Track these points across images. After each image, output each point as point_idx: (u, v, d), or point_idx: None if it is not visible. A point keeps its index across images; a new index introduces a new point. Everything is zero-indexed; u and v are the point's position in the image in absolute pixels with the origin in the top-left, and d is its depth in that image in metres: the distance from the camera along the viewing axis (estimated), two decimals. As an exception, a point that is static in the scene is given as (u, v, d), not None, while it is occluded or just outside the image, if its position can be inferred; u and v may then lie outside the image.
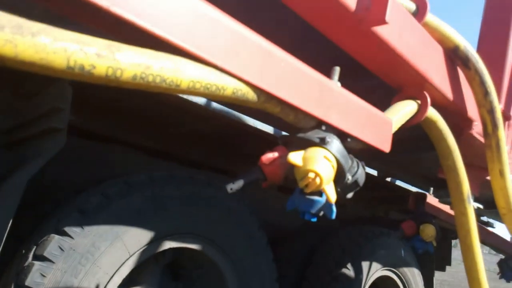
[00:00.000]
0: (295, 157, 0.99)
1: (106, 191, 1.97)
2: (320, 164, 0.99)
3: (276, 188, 4.03)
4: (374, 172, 3.91)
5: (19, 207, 1.78)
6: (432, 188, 2.31)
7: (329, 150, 1.03)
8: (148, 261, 2.08)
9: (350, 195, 1.18)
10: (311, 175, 0.97)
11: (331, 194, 1.01)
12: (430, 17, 1.34)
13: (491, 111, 1.44)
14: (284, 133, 3.23)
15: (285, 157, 1.04)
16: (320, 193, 1.06)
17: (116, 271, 1.86)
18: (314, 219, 1.08)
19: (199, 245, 2.21)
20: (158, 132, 3.30)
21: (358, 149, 1.18)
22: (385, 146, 1.22)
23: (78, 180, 2.42)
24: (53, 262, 1.69)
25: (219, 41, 0.84)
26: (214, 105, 2.70)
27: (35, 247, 1.74)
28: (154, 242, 2.01)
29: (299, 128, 1.08)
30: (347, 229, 3.52)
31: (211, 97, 0.85)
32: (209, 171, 3.21)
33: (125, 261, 1.89)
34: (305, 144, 1.04)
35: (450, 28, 1.36)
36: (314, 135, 1.05)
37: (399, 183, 4.22)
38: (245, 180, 1.05)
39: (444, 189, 2.45)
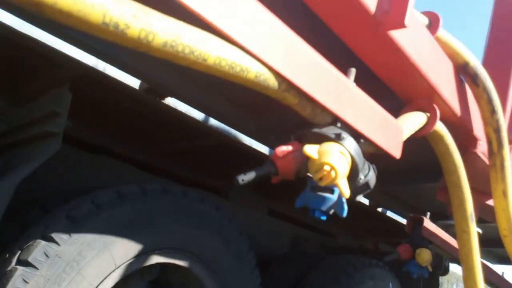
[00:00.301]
0: (311, 150, 0.98)
1: (97, 200, 1.93)
2: (336, 158, 0.98)
3: (267, 212, 4.01)
4: (365, 201, 3.90)
5: (7, 211, 1.74)
6: (428, 213, 2.31)
7: (344, 146, 1.03)
8: (134, 275, 2.02)
9: (360, 198, 1.17)
10: (327, 167, 0.96)
11: (345, 189, 1.00)
12: (441, 32, 1.37)
13: (498, 130, 1.46)
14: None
15: (299, 152, 1.03)
16: (331, 190, 1.04)
17: (101, 282, 1.79)
18: (324, 217, 1.06)
19: (187, 262, 2.16)
20: (152, 146, 3.28)
21: (368, 153, 1.18)
22: (396, 152, 1.22)
23: (67, 188, 2.38)
24: (37, 268, 1.63)
25: (247, 23, 0.84)
26: (212, 121, 2.70)
27: (19, 251, 1.68)
28: (141, 256, 1.96)
29: (313, 123, 1.07)
30: (336, 258, 3.49)
31: (234, 78, 0.85)
32: (201, 189, 3.18)
33: (111, 273, 1.83)
34: (320, 139, 1.04)
35: (460, 44, 1.39)
36: (330, 131, 1.05)
37: (390, 214, 4.21)
38: (257, 173, 1.03)
39: (439, 221, 2.46)
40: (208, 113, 2.67)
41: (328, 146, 1.01)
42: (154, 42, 0.70)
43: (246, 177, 1.03)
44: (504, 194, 1.54)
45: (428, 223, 2.20)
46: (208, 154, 3.56)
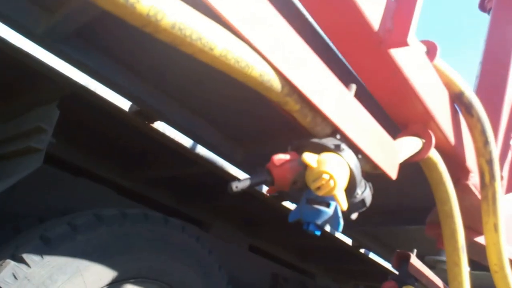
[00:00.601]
0: (310, 158, 0.96)
1: (74, 222, 1.86)
2: (335, 167, 0.95)
3: (248, 247, 3.92)
4: (348, 241, 3.86)
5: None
6: (415, 250, 2.27)
7: (343, 158, 1.00)
8: (105, 304, 1.92)
9: (354, 216, 1.13)
10: (326, 176, 0.93)
11: (342, 201, 0.96)
12: (438, 61, 1.39)
13: (490, 162, 1.46)
14: (265, 186, 3.19)
15: (297, 161, 1.00)
16: (327, 203, 1.01)
17: None
18: (318, 232, 1.02)
19: None
20: (136, 172, 3.21)
21: (365, 171, 1.15)
22: (392, 172, 1.20)
23: (43, 209, 2.31)
24: None
25: (258, 21, 0.83)
26: (199, 148, 2.67)
27: None
28: (115, 284, 1.88)
29: (312, 134, 1.05)
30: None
31: (238, 74, 0.83)
32: (182, 220, 3.11)
33: None
34: (319, 149, 1.01)
35: (456, 73, 1.41)
36: (329, 142, 1.03)
37: (372, 256, 4.16)
38: (252, 181, 1.00)
39: (427, 256, 2.41)
40: (196, 140, 2.64)
41: (327, 155, 0.98)
42: (163, 22, 0.68)
43: (240, 185, 1.00)
44: (495, 227, 1.52)
45: (414, 260, 2.16)
46: (192, 184, 3.49)
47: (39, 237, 1.71)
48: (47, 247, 1.68)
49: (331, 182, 0.94)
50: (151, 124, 2.42)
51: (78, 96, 2.16)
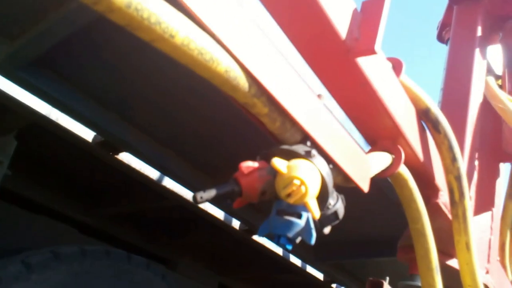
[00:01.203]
0: (280, 164, 0.91)
1: (29, 260, 1.74)
2: (306, 173, 0.91)
3: (217, 287, 3.78)
4: (320, 276, 3.78)
5: None
6: (388, 278, 2.22)
7: (314, 164, 0.96)
8: None
9: (327, 230, 1.08)
10: (296, 182, 0.89)
11: (314, 209, 0.91)
12: (404, 77, 1.40)
13: (459, 178, 1.45)
14: (235, 219, 3.11)
15: (266, 169, 0.96)
16: (298, 214, 0.96)
17: None
18: (290, 247, 0.96)
19: None
20: (99, 208, 3.08)
21: (336, 183, 1.11)
22: (364, 185, 1.16)
23: None
24: None
25: (225, 13, 0.80)
26: (166, 181, 2.59)
27: None
28: None
29: (282, 140, 1.01)
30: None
31: (203, 68, 0.78)
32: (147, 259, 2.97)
33: None
34: (289, 156, 0.97)
35: (422, 90, 1.42)
36: (300, 148, 0.99)
37: (344, 291, 4.08)
38: (218, 191, 0.94)
39: (400, 282, 2.36)
40: (163, 172, 2.56)
41: (298, 161, 0.94)
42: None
43: (205, 195, 0.93)
44: (467, 246, 1.49)
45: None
46: (158, 219, 3.37)
47: None
48: (-3, 289, 1.55)
49: (302, 188, 0.89)
50: (115, 156, 2.33)
51: (39, 126, 2.07)
